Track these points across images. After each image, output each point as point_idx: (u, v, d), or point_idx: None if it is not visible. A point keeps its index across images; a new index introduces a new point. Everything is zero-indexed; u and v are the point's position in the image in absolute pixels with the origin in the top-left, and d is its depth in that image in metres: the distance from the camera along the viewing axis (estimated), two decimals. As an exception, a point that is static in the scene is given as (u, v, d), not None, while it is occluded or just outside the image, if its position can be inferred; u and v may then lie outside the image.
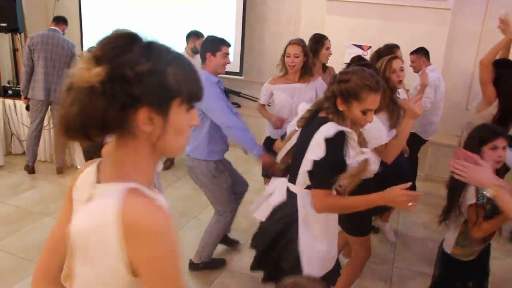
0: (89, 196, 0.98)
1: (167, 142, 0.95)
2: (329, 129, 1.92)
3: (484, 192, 1.76)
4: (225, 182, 3.14)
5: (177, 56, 0.95)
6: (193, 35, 5.27)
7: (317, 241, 2.07)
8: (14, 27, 5.80)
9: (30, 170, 5.16)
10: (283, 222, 2.11)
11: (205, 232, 3.27)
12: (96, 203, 0.94)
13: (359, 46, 5.35)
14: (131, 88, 0.86)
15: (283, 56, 3.47)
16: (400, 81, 2.85)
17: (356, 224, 2.64)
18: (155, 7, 6.63)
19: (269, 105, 3.72)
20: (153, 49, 0.91)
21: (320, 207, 1.98)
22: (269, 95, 3.63)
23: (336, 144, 1.90)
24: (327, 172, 1.93)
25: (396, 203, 1.86)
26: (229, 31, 6.25)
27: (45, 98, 4.92)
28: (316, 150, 1.92)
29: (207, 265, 3.33)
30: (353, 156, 1.91)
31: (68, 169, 5.33)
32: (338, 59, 4.90)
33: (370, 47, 5.26)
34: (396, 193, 1.83)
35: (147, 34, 0.94)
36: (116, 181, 0.94)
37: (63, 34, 5.08)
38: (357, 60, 3.15)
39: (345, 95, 1.94)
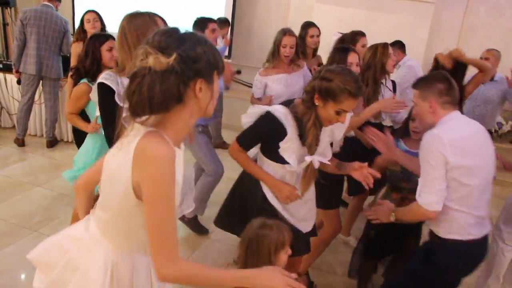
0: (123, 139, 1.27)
1: (201, 105, 1.25)
2: (278, 109, 2.11)
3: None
4: (202, 139, 3.42)
5: (206, 39, 1.26)
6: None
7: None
8: (5, 1, 5.79)
9: (20, 143, 5.23)
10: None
11: (195, 189, 3.42)
12: (125, 142, 1.23)
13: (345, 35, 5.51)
14: (194, 65, 1.18)
15: (278, 46, 3.46)
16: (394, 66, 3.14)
17: (324, 198, 2.70)
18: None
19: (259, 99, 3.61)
20: (195, 36, 1.23)
21: (231, 153, 2.25)
22: (263, 88, 3.57)
23: (268, 121, 2.10)
24: (249, 136, 2.22)
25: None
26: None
27: (37, 72, 4.99)
28: (254, 116, 2.18)
29: (194, 223, 3.63)
30: (288, 148, 2.11)
31: (58, 143, 5.41)
32: (325, 46, 5.04)
33: (356, 35, 5.43)
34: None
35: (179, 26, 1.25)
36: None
37: (56, 10, 5.13)
38: (341, 43, 3.38)
39: (323, 93, 1.98)
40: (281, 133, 2.08)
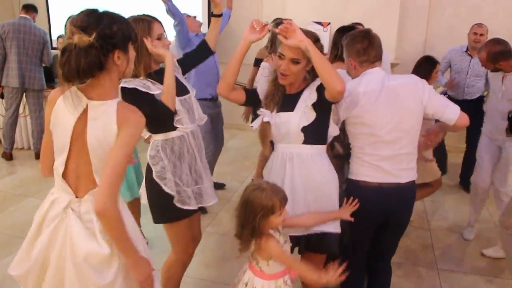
0: (83, 108, 1.54)
1: (127, 69, 1.59)
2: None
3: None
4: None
5: (121, 16, 1.55)
6: None
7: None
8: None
9: (8, 157, 5.26)
10: None
11: None
12: (100, 112, 1.52)
13: (319, 23, 5.65)
14: (111, 40, 1.48)
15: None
16: None
17: None
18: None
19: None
20: (112, 15, 1.51)
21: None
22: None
23: None
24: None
25: None
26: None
27: (20, 85, 5.02)
28: None
29: None
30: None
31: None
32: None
33: (329, 23, 5.57)
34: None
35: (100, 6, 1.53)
36: (107, 99, 1.54)
37: (34, 22, 5.17)
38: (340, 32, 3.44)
39: (274, 49, 2.22)
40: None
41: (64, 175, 1.59)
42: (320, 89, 2.06)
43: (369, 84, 2.18)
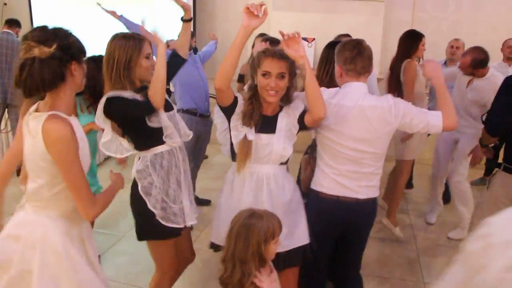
0: (29, 122, 1.63)
1: (78, 81, 1.66)
2: None
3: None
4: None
5: (71, 32, 1.64)
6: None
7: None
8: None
9: (-11, 173, 5.15)
10: None
11: None
12: (34, 124, 1.60)
13: (304, 39, 5.71)
14: (69, 51, 1.58)
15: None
16: None
17: None
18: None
19: None
20: (64, 30, 1.61)
21: None
22: None
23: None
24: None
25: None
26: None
27: (2, 101, 4.96)
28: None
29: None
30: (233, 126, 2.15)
31: (28, 170, 5.34)
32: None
33: (314, 39, 5.63)
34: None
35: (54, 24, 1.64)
36: (46, 111, 1.60)
37: (17, 37, 5.13)
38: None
39: (253, 68, 2.13)
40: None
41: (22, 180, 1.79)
42: (301, 118, 2.14)
43: (344, 98, 2.19)
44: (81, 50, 1.66)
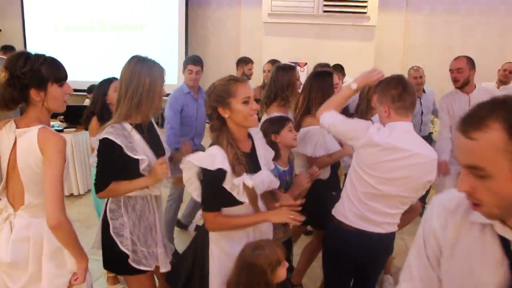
0: (15, 136, 1.77)
1: (48, 105, 1.79)
2: (213, 154, 1.94)
3: None
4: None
5: (47, 58, 1.76)
6: (242, 62, 5.14)
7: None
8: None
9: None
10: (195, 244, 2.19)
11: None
12: (24, 138, 1.75)
13: (296, 63, 5.74)
14: (21, 80, 1.71)
15: (293, 83, 3.05)
16: None
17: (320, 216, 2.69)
18: (99, 34, 6.77)
19: None
20: (31, 58, 1.73)
21: (210, 228, 2.00)
22: None
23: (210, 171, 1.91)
24: (209, 195, 1.96)
25: (283, 217, 1.94)
26: (173, 56, 6.49)
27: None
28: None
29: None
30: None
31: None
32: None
33: (306, 63, 5.66)
34: (280, 209, 2.00)
35: (33, 50, 1.79)
36: (31, 126, 1.75)
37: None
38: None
39: (220, 100, 1.93)
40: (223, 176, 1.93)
41: (6, 194, 1.88)
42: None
43: (400, 140, 2.06)
44: (42, 78, 1.74)
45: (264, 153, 2.14)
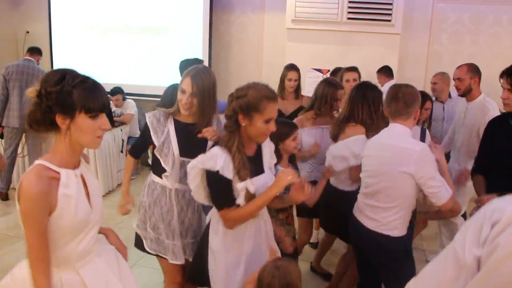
0: None
1: (74, 137, 1.51)
2: (215, 156, 1.99)
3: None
4: None
5: (85, 82, 1.48)
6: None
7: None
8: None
9: (4, 197, 5.20)
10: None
11: None
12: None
13: (319, 70, 5.74)
14: (47, 101, 1.45)
15: (331, 100, 3.19)
16: None
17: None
18: (124, 37, 6.88)
19: None
20: (66, 77, 1.46)
21: (228, 225, 2.04)
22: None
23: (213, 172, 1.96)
24: (218, 194, 2.02)
25: (283, 181, 1.95)
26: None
27: (20, 125, 5.03)
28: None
29: None
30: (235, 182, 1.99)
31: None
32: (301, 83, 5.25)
33: (329, 70, 5.65)
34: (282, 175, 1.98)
35: (76, 69, 1.52)
36: (47, 160, 1.50)
37: (38, 64, 5.25)
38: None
39: (245, 109, 1.94)
40: (229, 184, 1.98)
41: None
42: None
43: (382, 136, 2.49)
44: (71, 104, 1.46)
45: (270, 159, 2.21)
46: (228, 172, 1.95)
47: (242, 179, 1.97)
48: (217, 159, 1.95)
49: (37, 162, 1.48)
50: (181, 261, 2.38)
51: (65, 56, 7.11)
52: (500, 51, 5.71)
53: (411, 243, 2.58)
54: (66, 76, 1.46)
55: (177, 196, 2.36)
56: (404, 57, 5.90)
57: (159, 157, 2.31)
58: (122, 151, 5.88)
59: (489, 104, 3.52)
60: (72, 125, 1.48)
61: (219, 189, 2.01)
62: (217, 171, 1.93)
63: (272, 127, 1.99)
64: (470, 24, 5.88)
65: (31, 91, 1.47)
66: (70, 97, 1.44)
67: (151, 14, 6.76)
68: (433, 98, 4.62)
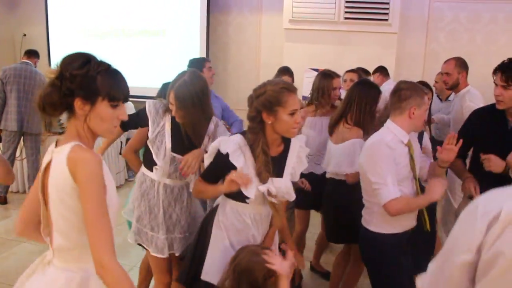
0: (50, 157, 1.43)
1: (92, 124, 1.43)
2: (231, 141, 2.03)
3: None
4: None
5: (109, 69, 1.43)
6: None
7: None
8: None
9: (3, 200, 5.19)
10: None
11: None
12: (56, 159, 1.41)
13: (316, 70, 5.73)
14: (68, 84, 1.36)
15: (327, 89, 3.27)
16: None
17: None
18: (122, 40, 6.88)
19: None
20: (91, 62, 1.40)
21: (194, 191, 2.23)
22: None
23: (219, 160, 2.02)
24: (209, 168, 2.10)
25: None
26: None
27: (18, 129, 5.03)
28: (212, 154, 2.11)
29: None
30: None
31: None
32: (298, 83, 5.23)
33: (326, 70, 5.66)
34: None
35: (99, 55, 1.46)
36: (67, 143, 1.41)
37: (35, 67, 5.25)
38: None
39: (268, 106, 1.94)
40: (229, 169, 1.98)
41: (44, 231, 1.50)
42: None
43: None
44: (95, 89, 1.40)
45: (295, 164, 2.14)
46: (237, 161, 1.98)
47: (263, 181, 1.98)
48: (231, 144, 1.99)
49: (72, 143, 1.39)
50: (163, 255, 2.40)
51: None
52: (496, 49, 5.71)
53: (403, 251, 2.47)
54: (91, 61, 1.40)
55: (165, 191, 2.39)
56: (402, 56, 5.90)
57: (151, 148, 2.33)
58: (120, 153, 5.88)
59: (470, 95, 3.60)
60: (92, 111, 1.41)
61: (213, 166, 2.07)
62: (227, 154, 1.97)
63: (298, 118, 1.98)
64: (467, 23, 5.89)
65: (51, 71, 1.38)
66: (95, 83, 1.39)
67: (148, 16, 6.76)
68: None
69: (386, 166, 2.19)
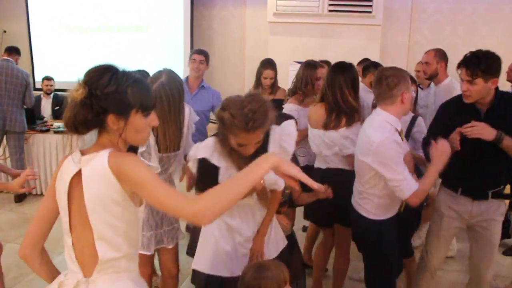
0: (78, 167, 1.37)
1: (128, 136, 1.41)
2: (204, 146, 2.04)
3: None
4: None
5: (136, 80, 1.40)
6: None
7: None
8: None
9: (-14, 201, 5.12)
10: None
11: None
12: (91, 166, 1.35)
13: (301, 63, 5.73)
14: (100, 102, 1.33)
15: (312, 79, 3.30)
16: None
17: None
18: (105, 36, 6.82)
19: None
20: (119, 76, 1.37)
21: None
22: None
23: (202, 167, 2.03)
24: (200, 179, 2.08)
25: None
26: (178, 57, 6.51)
27: (1, 127, 4.95)
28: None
29: None
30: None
31: (26, 197, 5.30)
32: (283, 76, 5.25)
33: (311, 63, 5.67)
34: None
35: (120, 64, 1.43)
36: (98, 151, 1.36)
37: (16, 64, 5.16)
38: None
39: (221, 124, 1.93)
40: (215, 170, 1.99)
41: (74, 251, 1.42)
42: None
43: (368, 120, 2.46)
44: (128, 104, 1.37)
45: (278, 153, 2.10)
46: (219, 162, 1.99)
47: (240, 167, 1.98)
48: (207, 148, 2.01)
49: (108, 150, 1.36)
50: (149, 252, 2.48)
51: (45, 55, 7.01)
52: (478, 40, 5.78)
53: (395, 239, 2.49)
54: (117, 74, 1.37)
55: None
56: (386, 48, 5.95)
57: (140, 156, 2.30)
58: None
59: (457, 85, 3.55)
60: (127, 125, 1.38)
61: (202, 175, 2.05)
62: (204, 158, 1.99)
63: (245, 151, 1.96)
64: (449, 14, 5.95)
65: (79, 93, 1.32)
66: (126, 97, 1.36)
67: (131, 12, 6.70)
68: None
69: (400, 162, 2.20)
